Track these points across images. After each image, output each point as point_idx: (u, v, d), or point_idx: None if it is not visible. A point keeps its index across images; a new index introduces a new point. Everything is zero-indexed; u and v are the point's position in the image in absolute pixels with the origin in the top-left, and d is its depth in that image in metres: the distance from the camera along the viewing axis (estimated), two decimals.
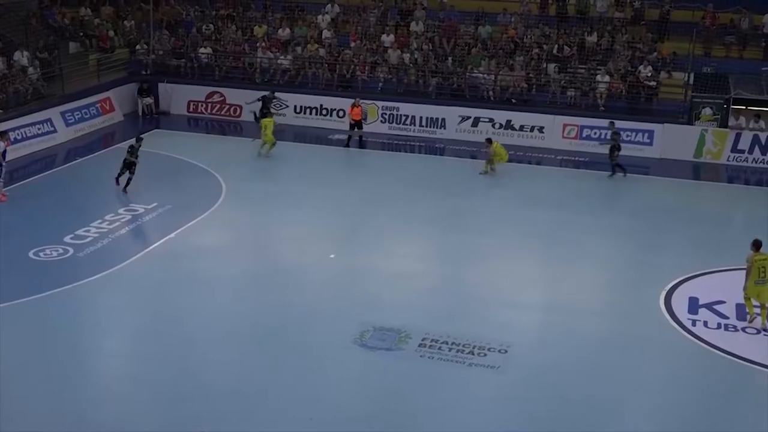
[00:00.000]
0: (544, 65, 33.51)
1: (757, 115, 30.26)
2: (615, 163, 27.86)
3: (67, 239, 20.79)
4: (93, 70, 34.33)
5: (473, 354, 16.02)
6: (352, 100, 31.30)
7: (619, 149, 27.85)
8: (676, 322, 17.71)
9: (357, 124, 31.10)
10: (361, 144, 31.02)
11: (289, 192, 25.41)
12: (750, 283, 17.49)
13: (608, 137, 28.46)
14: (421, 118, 32.51)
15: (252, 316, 17.62)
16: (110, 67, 35.32)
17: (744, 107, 30.40)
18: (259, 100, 30.91)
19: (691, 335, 17.22)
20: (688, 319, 17.81)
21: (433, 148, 31.39)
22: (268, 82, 34.60)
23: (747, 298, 17.74)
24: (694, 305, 18.39)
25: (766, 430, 14.22)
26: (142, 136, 25.02)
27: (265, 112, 30.33)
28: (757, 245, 17.75)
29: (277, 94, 32.49)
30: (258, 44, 35.63)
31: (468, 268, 20.50)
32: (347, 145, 30.70)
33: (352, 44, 35.33)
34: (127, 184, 24.40)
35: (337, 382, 15.19)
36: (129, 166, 24.47)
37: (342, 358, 15.93)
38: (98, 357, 16.15)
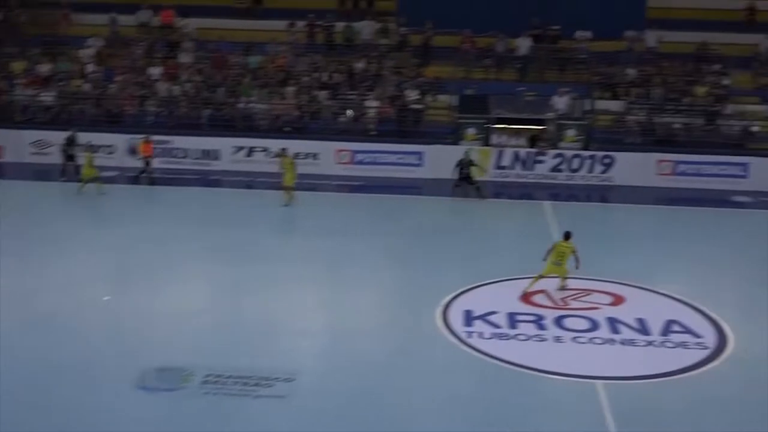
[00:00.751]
0: (315, 93, 34.00)
1: (517, 133, 32.11)
2: (460, 178, 29.02)
3: None
4: None
5: (259, 385, 15.89)
6: (142, 136, 30.55)
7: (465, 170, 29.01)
8: (454, 336, 18.34)
9: (147, 160, 30.30)
10: (137, 180, 30.14)
11: (57, 235, 24.26)
12: (549, 265, 20.10)
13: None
14: (194, 150, 32.11)
15: (23, 368, 16.59)
16: None
17: (504, 126, 32.14)
18: (66, 142, 29.85)
19: (468, 347, 17.87)
20: (464, 331, 18.48)
21: (208, 180, 31.04)
22: (30, 120, 33.06)
23: (539, 277, 20.19)
24: (468, 318, 19.12)
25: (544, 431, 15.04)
26: None
27: (72, 152, 29.64)
28: (566, 235, 20.39)
29: (43, 132, 31.10)
30: (17, 81, 33.94)
31: (250, 299, 20.33)
32: (151, 183, 29.97)
33: (119, 78, 34.40)
34: None
35: (119, 427, 14.61)
36: None
37: (122, 403, 15.34)
38: None
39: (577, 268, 20.33)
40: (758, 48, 35.65)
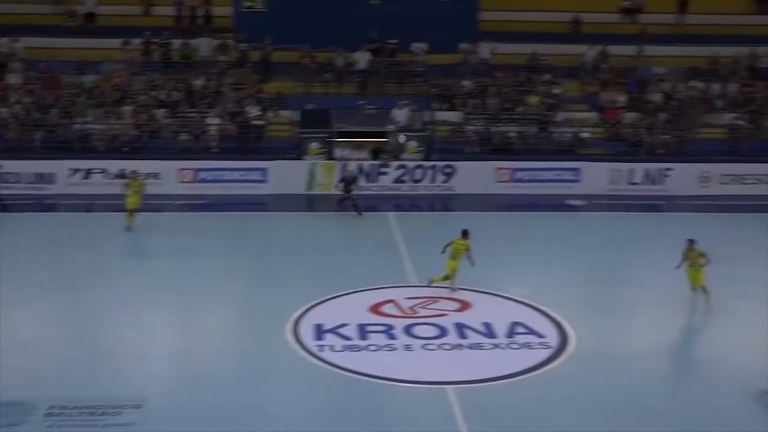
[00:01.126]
0: (154, 111, 33.32)
1: (359, 146, 32.42)
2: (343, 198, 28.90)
3: None
4: None
5: (106, 414, 15.39)
6: None
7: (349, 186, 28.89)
8: (305, 350, 18.30)
9: None
10: (5, 208, 28.69)
11: None
12: (449, 260, 21.16)
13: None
14: (27, 174, 30.79)
15: None
16: None
17: (346, 139, 32.40)
18: None
19: (320, 360, 17.87)
20: (315, 345, 18.48)
21: (44, 205, 29.88)
22: None
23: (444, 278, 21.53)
24: (319, 331, 19.13)
25: None
26: None
27: None
28: (463, 233, 21.52)
29: None
30: None
31: (93, 326, 19.64)
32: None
33: None
34: None
35: None
36: None
37: None
38: None
39: (472, 265, 21.20)
40: (584, 58, 37.35)
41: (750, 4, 41.30)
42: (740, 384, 16.99)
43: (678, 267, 20.96)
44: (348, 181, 29.18)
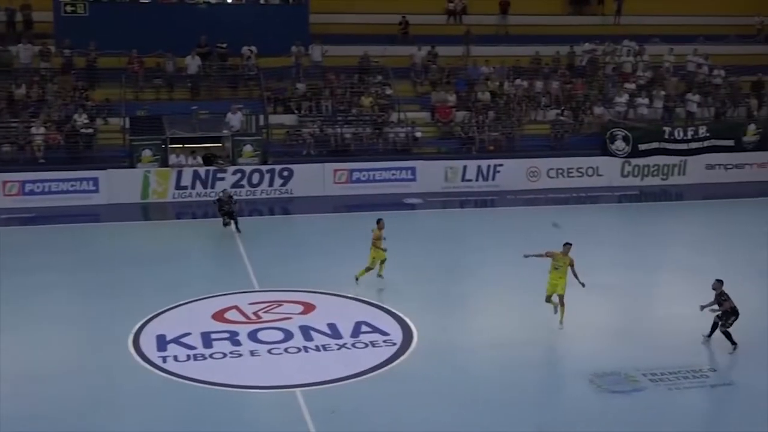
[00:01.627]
0: None
1: (193, 152, 31.89)
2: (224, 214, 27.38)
3: None
4: None
5: None
6: None
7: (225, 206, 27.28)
8: (148, 363, 17.80)
9: None
10: None
11: None
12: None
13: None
14: None
15: None
16: None
17: (181, 145, 31.81)
18: None
19: (165, 372, 17.41)
20: (159, 356, 17.99)
21: None
22: None
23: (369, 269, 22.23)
24: (162, 342, 18.66)
25: None
26: None
27: None
28: (377, 222, 22.29)
29: None
30: None
31: None
32: None
33: None
34: None
35: None
36: None
37: None
38: None
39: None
40: (414, 59, 38.12)
41: (565, 6, 43.38)
42: (575, 369, 17.75)
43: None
44: (224, 202, 28.01)
